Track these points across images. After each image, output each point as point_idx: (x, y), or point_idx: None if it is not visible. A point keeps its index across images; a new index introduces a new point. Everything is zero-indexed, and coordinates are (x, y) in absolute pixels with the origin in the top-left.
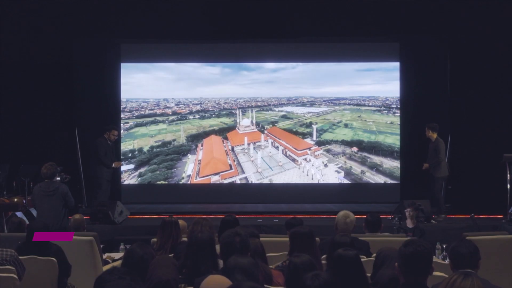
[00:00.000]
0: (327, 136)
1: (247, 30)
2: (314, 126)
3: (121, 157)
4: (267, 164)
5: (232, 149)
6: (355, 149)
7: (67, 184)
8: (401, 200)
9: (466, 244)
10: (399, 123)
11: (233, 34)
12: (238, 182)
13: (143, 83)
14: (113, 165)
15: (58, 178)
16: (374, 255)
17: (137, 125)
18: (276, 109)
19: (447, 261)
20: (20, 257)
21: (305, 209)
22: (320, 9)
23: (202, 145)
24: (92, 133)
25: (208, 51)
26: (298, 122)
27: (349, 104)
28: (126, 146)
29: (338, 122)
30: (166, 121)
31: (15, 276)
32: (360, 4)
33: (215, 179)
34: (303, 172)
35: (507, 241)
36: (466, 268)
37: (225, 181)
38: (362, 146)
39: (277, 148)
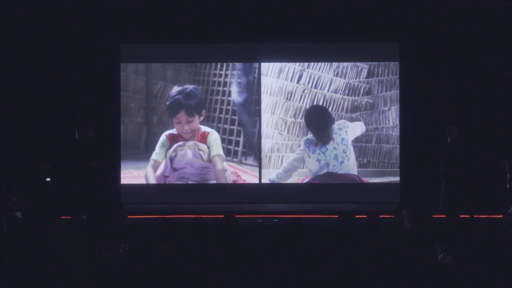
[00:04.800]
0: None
1: (247, 30)
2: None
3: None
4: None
5: None
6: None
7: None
8: (401, 200)
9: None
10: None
11: (233, 34)
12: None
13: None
14: (93, 164)
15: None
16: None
17: None
18: None
19: (446, 261)
20: None
21: (305, 209)
22: (319, 9)
23: None
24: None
25: (208, 52)
26: None
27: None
28: None
29: None
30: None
31: None
32: (360, 4)
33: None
34: None
35: None
36: None
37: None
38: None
39: None
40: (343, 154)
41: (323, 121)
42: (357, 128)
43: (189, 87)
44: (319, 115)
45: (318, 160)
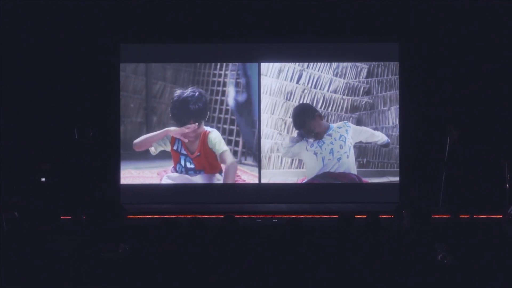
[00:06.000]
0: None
1: (246, 30)
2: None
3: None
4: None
5: None
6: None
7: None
8: (400, 200)
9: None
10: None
11: (233, 34)
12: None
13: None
14: (93, 164)
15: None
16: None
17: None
18: None
19: (445, 261)
20: None
21: (305, 209)
22: (319, 9)
23: None
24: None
25: (207, 52)
26: None
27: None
28: None
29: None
30: None
31: None
32: (359, 4)
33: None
34: None
35: None
36: None
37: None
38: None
39: None
40: (339, 149)
41: (302, 114)
42: (362, 133)
43: (195, 92)
44: (299, 112)
45: (315, 153)
